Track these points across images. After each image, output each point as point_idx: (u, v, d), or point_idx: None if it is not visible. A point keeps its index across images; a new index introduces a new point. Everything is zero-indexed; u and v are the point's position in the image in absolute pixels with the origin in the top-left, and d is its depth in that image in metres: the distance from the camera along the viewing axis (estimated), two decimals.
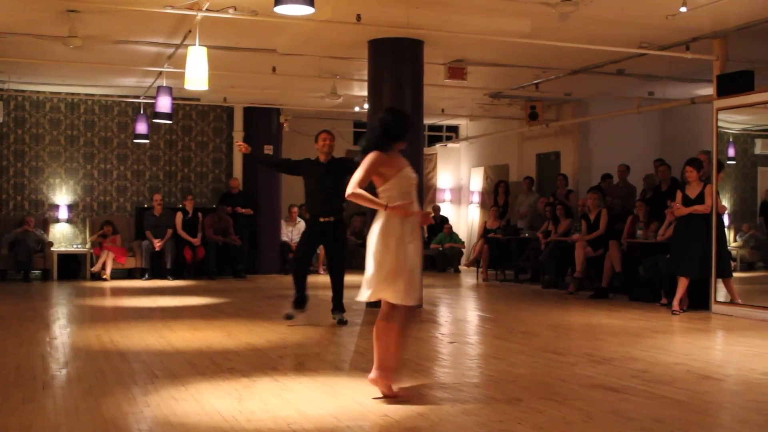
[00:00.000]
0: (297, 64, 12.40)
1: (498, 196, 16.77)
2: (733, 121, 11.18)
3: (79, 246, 15.97)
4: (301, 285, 9.20)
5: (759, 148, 12.58)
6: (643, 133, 15.71)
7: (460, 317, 10.63)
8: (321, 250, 16.84)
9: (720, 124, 10.61)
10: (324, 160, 9.12)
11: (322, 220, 9.04)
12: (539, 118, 15.14)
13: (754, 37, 10.34)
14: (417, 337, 8.54)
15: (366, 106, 11.30)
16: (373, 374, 5.55)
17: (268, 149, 16.65)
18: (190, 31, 9.87)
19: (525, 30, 10.21)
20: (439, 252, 17.70)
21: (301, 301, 9.22)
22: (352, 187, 5.44)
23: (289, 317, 9.18)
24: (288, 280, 15.12)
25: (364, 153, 5.55)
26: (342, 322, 9.16)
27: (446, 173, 20.26)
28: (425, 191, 17.87)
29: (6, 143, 15.93)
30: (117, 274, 15.22)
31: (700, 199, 10.26)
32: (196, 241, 15.53)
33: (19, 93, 15.76)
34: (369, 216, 11.07)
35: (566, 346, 7.93)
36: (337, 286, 9.31)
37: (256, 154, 9.73)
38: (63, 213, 16.12)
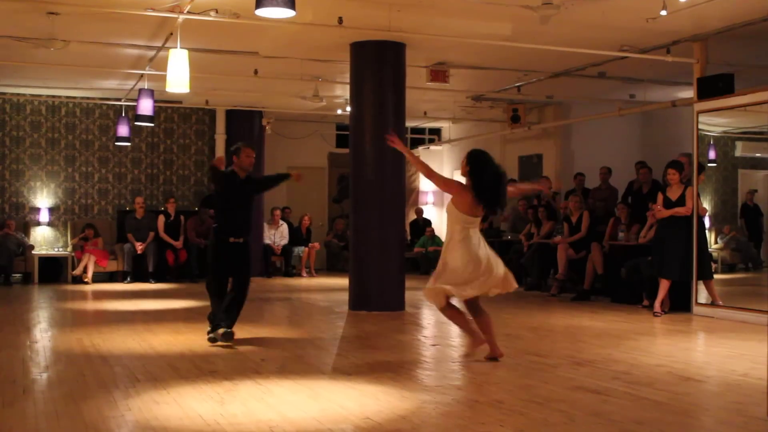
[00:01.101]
0: (279, 66, 12.38)
1: None
2: (713, 123, 11.26)
3: (61, 249, 15.88)
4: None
5: (739, 150, 12.67)
6: (624, 136, 15.78)
7: (443, 320, 10.58)
8: (305, 252, 16.94)
9: (701, 126, 10.67)
10: (242, 177, 8.21)
11: (232, 240, 8.07)
12: (521, 121, 15.17)
13: (734, 40, 10.41)
14: (400, 340, 8.55)
15: (348, 108, 11.29)
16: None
17: None
18: (171, 34, 9.84)
19: (506, 33, 10.24)
20: (422, 255, 17.72)
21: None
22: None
23: (213, 340, 7.95)
24: (270, 283, 15.19)
25: None
26: (228, 336, 7.89)
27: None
28: (408, 194, 17.87)
29: None
30: (98, 278, 15.15)
31: (681, 201, 10.31)
32: (178, 244, 15.49)
33: None
34: (351, 218, 11.08)
35: (548, 348, 7.95)
36: (239, 304, 8.12)
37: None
38: (44, 216, 16.03)
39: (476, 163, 7.04)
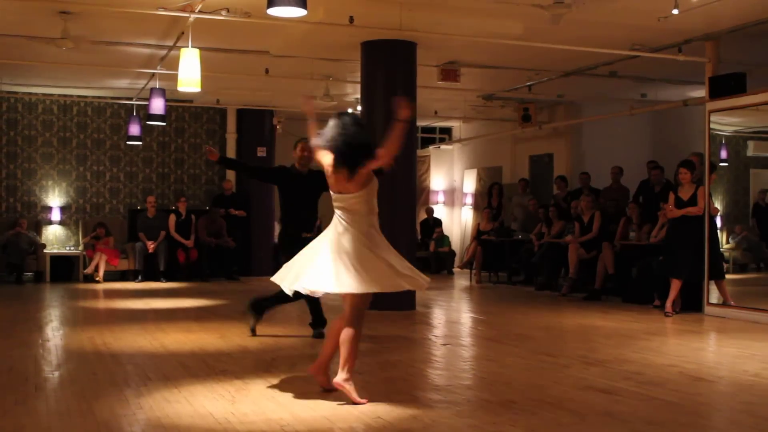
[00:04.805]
0: (290, 65, 12.40)
1: (491, 198, 16.78)
2: (725, 123, 11.22)
3: (72, 248, 15.94)
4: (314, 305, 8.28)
5: (751, 150, 12.62)
6: (635, 135, 15.73)
7: (453, 319, 10.63)
8: None
9: (712, 126, 10.63)
10: (304, 171, 8.26)
11: (305, 235, 7.95)
12: (532, 120, 15.15)
13: (746, 39, 10.38)
14: (410, 339, 8.55)
15: (359, 107, 11.30)
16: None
17: (262, 151, 16.65)
18: (182, 33, 9.86)
19: (517, 32, 10.22)
20: (432, 254, 17.72)
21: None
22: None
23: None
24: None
25: None
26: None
27: (439, 175, 20.27)
28: (418, 193, 17.87)
29: None
30: (110, 276, 15.19)
31: (692, 200, 10.28)
32: (190, 243, 15.51)
33: (11, 94, 15.73)
34: None
35: (559, 348, 7.94)
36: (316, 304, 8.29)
37: (222, 159, 8.44)
38: (56, 215, 16.09)
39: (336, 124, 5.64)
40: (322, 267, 5.48)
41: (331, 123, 5.63)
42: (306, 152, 8.17)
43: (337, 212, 5.63)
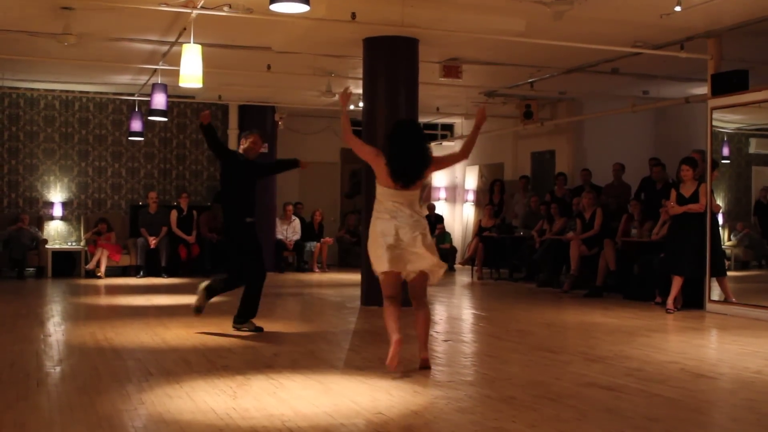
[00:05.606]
0: (292, 62, 12.39)
1: (493, 194, 16.77)
2: (727, 120, 11.22)
3: (74, 243, 15.95)
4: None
5: (753, 147, 12.63)
6: (637, 132, 15.72)
7: (455, 315, 10.63)
8: (317, 247, 16.97)
9: (714, 123, 10.62)
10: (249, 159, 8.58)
11: (249, 220, 8.42)
12: (534, 117, 15.13)
13: (748, 37, 10.37)
14: (412, 336, 8.54)
15: (361, 104, 11.29)
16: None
17: (264, 147, 16.62)
18: (185, 29, 9.87)
19: (520, 29, 10.21)
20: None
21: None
22: None
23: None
24: (282, 278, 15.21)
25: None
26: (258, 329, 8.41)
27: (441, 172, 20.22)
28: (420, 189, 17.84)
29: (0, 140, 15.92)
30: (111, 272, 15.21)
31: (694, 198, 10.27)
32: (191, 238, 15.53)
33: (13, 90, 15.72)
34: (364, 213, 11.07)
35: (560, 345, 7.94)
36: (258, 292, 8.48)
37: (209, 125, 8.42)
38: (57, 210, 16.11)
39: (393, 130, 6.37)
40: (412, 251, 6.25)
41: (399, 134, 6.31)
42: (256, 145, 8.63)
43: (392, 204, 6.28)
